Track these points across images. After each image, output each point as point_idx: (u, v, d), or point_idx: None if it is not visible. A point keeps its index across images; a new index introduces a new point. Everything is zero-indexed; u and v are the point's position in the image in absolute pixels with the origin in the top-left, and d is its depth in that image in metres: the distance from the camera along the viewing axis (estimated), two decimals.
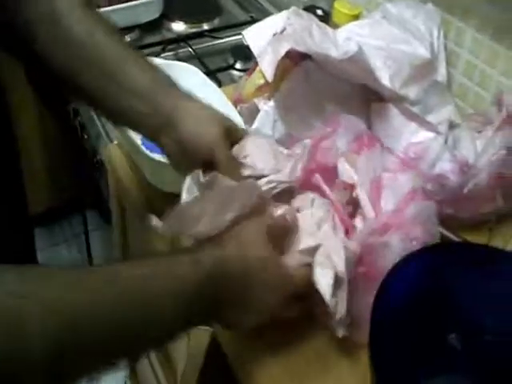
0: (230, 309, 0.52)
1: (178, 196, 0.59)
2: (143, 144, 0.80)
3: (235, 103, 0.87)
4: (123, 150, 0.84)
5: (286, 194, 0.66)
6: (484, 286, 0.57)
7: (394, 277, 0.54)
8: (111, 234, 1.01)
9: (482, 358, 0.56)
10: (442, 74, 0.83)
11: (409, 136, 0.76)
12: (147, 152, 0.75)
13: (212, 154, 0.60)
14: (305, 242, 0.57)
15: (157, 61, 0.90)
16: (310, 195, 0.65)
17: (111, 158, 0.84)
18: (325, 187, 0.66)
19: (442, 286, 0.57)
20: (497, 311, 0.56)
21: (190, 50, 1.20)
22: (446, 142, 0.73)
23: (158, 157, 0.76)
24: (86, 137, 1.15)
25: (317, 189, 0.67)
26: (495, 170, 0.70)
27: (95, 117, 1.06)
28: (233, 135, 0.64)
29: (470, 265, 0.57)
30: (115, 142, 0.88)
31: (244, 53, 1.15)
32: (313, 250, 0.57)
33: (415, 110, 0.78)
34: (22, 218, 0.77)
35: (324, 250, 0.58)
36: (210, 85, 0.88)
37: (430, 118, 0.78)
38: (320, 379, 0.57)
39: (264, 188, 0.63)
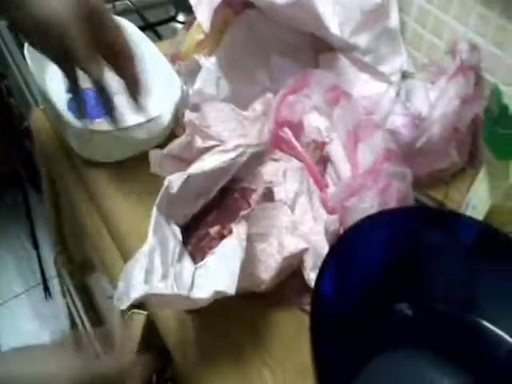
0: None
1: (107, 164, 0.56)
2: (69, 110, 0.76)
3: (172, 60, 0.83)
4: (49, 115, 0.79)
5: (255, 160, 0.64)
6: (439, 252, 0.55)
7: (351, 235, 0.52)
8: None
9: (434, 330, 0.55)
10: (394, 20, 0.79)
11: (360, 88, 0.73)
12: (72, 120, 0.70)
13: (64, 37, 0.54)
14: (291, 245, 0.56)
15: None
16: (281, 165, 0.64)
17: (36, 125, 0.79)
18: (295, 143, 0.65)
19: (399, 249, 0.55)
20: (451, 279, 0.55)
21: (128, 1, 1.13)
22: (398, 94, 0.71)
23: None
24: (12, 101, 1.09)
25: (286, 145, 0.66)
26: (449, 123, 0.68)
27: (22, 80, 1.00)
28: (96, 18, 0.57)
29: (429, 229, 0.55)
30: (41, 107, 0.82)
31: (187, 3, 1.09)
32: (300, 254, 0.57)
33: (366, 59, 0.75)
34: None
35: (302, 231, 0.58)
36: (145, 40, 0.83)
37: (382, 69, 0.75)
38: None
39: (233, 155, 0.60)
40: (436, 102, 0.70)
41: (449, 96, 0.69)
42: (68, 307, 1.00)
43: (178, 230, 0.55)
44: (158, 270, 0.49)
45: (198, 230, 0.60)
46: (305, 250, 0.56)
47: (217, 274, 0.51)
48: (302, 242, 0.57)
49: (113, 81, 0.77)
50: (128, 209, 0.67)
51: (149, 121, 0.72)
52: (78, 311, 0.90)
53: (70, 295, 0.90)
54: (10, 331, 1.61)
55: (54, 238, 0.94)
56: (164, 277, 0.50)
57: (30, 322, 1.68)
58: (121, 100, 0.77)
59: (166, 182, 0.55)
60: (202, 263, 0.53)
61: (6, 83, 1.12)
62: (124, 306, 0.45)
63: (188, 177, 0.56)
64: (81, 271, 0.78)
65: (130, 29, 0.83)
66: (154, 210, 0.53)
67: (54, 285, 1.61)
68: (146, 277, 0.48)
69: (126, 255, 0.65)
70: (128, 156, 0.73)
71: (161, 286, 0.48)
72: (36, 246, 1.54)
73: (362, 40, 0.77)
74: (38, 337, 1.64)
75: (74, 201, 0.71)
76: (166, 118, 0.73)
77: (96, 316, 0.86)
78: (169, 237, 0.53)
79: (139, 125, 0.71)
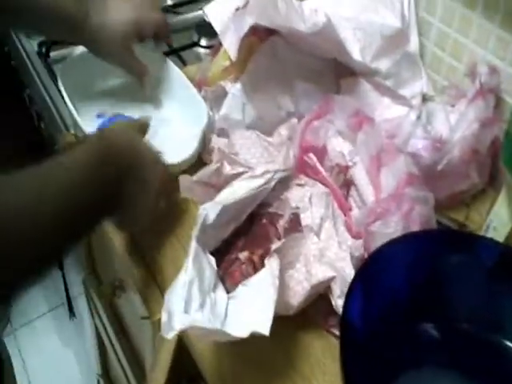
0: (130, 186, 0.59)
1: None
2: None
3: (199, 85, 0.87)
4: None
5: (281, 185, 0.67)
6: (461, 273, 0.58)
7: (376, 260, 0.55)
8: None
9: (458, 350, 0.57)
10: (414, 44, 0.83)
11: (382, 112, 0.76)
12: None
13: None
14: (319, 273, 0.59)
15: None
16: (307, 191, 0.67)
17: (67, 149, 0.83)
18: (320, 168, 0.69)
19: (423, 271, 0.58)
20: (474, 299, 0.58)
21: None
22: (419, 117, 0.74)
23: None
24: (42, 126, 1.13)
25: (311, 171, 0.69)
26: (469, 145, 0.71)
27: (52, 104, 1.04)
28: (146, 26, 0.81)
29: (451, 252, 0.58)
30: (72, 131, 0.87)
31: (209, 29, 1.13)
32: (327, 281, 0.59)
33: (387, 83, 0.78)
34: None
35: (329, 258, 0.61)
36: (172, 67, 0.87)
37: (403, 92, 0.78)
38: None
39: (262, 181, 0.63)
40: (456, 124, 0.73)
41: (469, 119, 0.72)
42: (96, 328, 1.03)
43: (213, 260, 0.58)
44: (196, 299, 0.52)
45: (227, 254, 0.63)
46: (332, 278, 0.59)
47: (251, 311, 0.53)
48: (329, 270, 0.59)
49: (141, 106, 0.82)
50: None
51: (177, 146, 0.75)
52: (106, 332, 0.93)
53: (99, 316, 0.94)
54: (34, 350, 1.64)
55: (83, 259, 0.97)
56: (201, 306, 0.52)
57: (54, 342, 1.71)
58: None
59: (201, 213, 0.58)
60: (234, 294, 0.56)
61: (37, 108, 1.17)
62: (170, 336, 0.48)
63: (222, 206, 0.59)
64: (110, 292, 0.82)
65: (157, 55, 0.88)
66: (194, 242, 0.56)
67: (79, 305, 1.65)
68: (185, 306, 0.51)
69: (158, 277, 0.68)
70: None
71: (199, 317, 0.51)
72: (61, 266, 1.57)
73: (382, 65, 0.80)
74: (61, 356, 1.67)
75: (104, 224, 0.74)
76: (194, 143, 0.76)
77: (125, 337, 0.89)
78: (205, 266, 0.56)
79: (166, 152, 0.73)
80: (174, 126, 0.85)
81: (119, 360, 0.91)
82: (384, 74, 0.79)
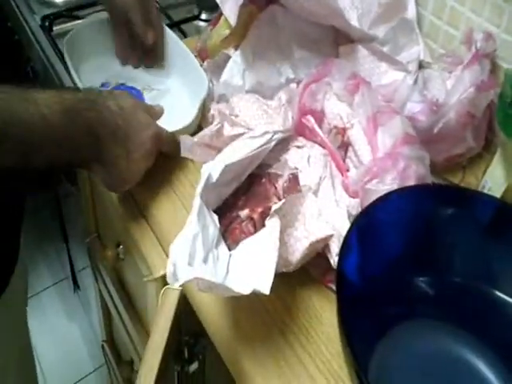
0: (110, 146, 0.62)
1: None
2: None
3: (200, 55, 0.87)
4: None
5: (280, 147, 0.68)
6: (456, 227, 0.58)
7: (370, 213, 0.56)
8: (80, 199, 1.01)
9: (452, 303, 0.58)
10: (411, 11, 0.83)
11: (379, 77, 0.76)
12: None
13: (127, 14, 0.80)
14: (317, 230, 0.59)
15: None
16: (305, 152, 0.67)
17: None
18: (318, 130, 0.69)
19: (418, 225, 0.59)
20: (467, 253, 0.58)
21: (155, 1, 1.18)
22: (415, 82, 0.74)
23: None
24: None
25: (310, 133, 0.70)
26: (464, 109, 0.71)
27: (55, 77, 1.04)
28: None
29: (446, 205, 0.59)
30: None
31: (209, 3, 1.13)
32: (325, 239, 0.60)
33: (385, 49, 0.79)
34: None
35: (327, 216, 0.61)
36: (174, 38, 0.87)
37: (400, 58, 0.78)
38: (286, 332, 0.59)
39: (262, 141, 0.64)
40: (452, 89, 0.73)
41: (465, 83, 0.72)
42: (100, 293, 1.04)
43: (216, 218, 0.59)
44: (200, 254, 0.53)
45: (228, 212, 0.64)
46: (330, 236, 0.60)
47: (252, 269, 0.53)
48: (327, 228, 0.60)
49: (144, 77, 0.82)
50: (162, 196, 0.72)
51: (177, 115, 0.76)
52: (111, 296, 0.94)
53: (103, 280, 0.95)
54: (39, 324, 1.66)
55: (88, 223, 0.98)
56: (204, 260, 0.53)
57: (58, 315, 1.73)
58: (150, 96, 0.82)
59: (204, 172, 0.59)
60: (236, 251, 0.57)
61: (40, 81, 1.18)
62: (176, 286, 0.49)
63: (225, 166, 0.59)
64: (114, 254, 0.83)
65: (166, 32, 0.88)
66: (198, 199, 0.56)
67: (83, 278, 1.66)
68: (189, 259, 0.51)
69: (161, 238, 0.69)
70: None
71: (202, 269, 0.52)
72: (65, 238, 1.59)
73: (380, 31, 0.81)
74: (66, 329, 1.69)
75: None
76: (193, 112, 0.76)
77: (128, 298, 0.90)
78: (209, 223, 0.57)
79: (166, 122, 0.74)
80: (175, 96, 0.86)
81: (124, 323, 0.92)
82: (381, 40, 0.80)
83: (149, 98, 0.84)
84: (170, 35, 0.88)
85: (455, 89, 0.73)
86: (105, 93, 0.65)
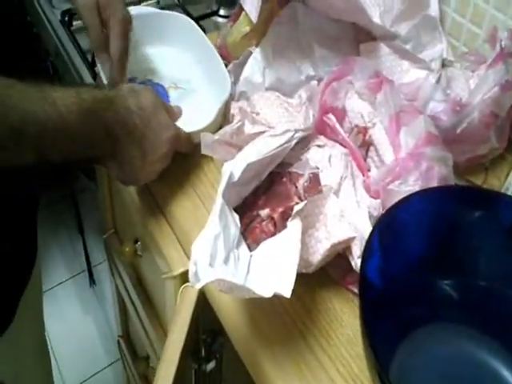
0: (126, 146, 0.61)
1: None
2: None
3: (219, 51, 0.87)
4: None
5: (301, 146, 0.67)
6: (480, 229, 0.57)
7: (393, 215, 0.55)
8: (98, 194, 1.01)
9: (475, 306, 0.57)
10: (433, 8, 0.82)
11: (401, 75, 0.75)
12: None
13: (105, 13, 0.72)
14: (339, 232, 0.59)
15: (144, 10, 0.90)
16: (326, 151, 0.67)
17: None
18: (339, 129, 0.68)
19: (441, 227, 0.58)
20: (492, 256, 0.57)
21: None
22: (438, 80, 0.73)
23: None
24: None
25: (331, 131, 0.69)
26: (488, 109, 0.70)
27: (74, 72, 1.05)
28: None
29: (470, 208, 0.57)
30: None
31: None
32: (347, 241, 0.59)
33: (407, 47, 0.78)
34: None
35: (348, 217, 0.61)
36: (200, 35, 0.86)
37: (422, 56, 0.78)
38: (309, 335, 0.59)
39: (283, 140, 0.63)
40: (476, 88, 0.72)
41: (488, 83, 0.71)
42: (117, 289, 1.05)
43: (237, 217, 0.58)
44: (221, 254, 0.52)
45: (248, 211, 0.63)
46: (352, 239, 0.59)
47: (273, 271, 0.53)
48: (349, 230, 0.59)
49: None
50: (181, 194, 0.71)
51: (199, 115, 0.75)
52: (128, 292, 0.94)
53: (120, 276, 0.95)
54: (55, 318, 1.67)
55: (106, 219, 0.98)
56: (225, 261, 0.53)
57: (74, 309, 1.74)
58: (175, 94, 0.81)
59: (226, 170, 0.58)
60: (257, 252, 0.56)
61: (59, 76, 1.18)
62: (198, 287, 0.48)
63: (247, 164, 0.59)
64: (131, 250, 0.83)
65: (187, 22, 0.88)
66: (220, 198, 0.56)
67: (99, 272, 1.67)
68: (210, 260, 0.51)
69: (180, 236, 0.69)
70: None
71: (223, 270, 0.51)
72: (82, 232, 1.59)
73: (402, 29, 0.80)
74: (82, 323, 1.70)
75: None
76: (212, 114, 0.75)
77: (145, 294, 0.90)
78: (230, 223, 0.56)
79: (187, 122, 0.73)
80: (199, 96, 0.85)
81: (140, 319, 0.92)
82: (403, 38, 0.79)
83: (174, 96, 0.84)
84: (197, 31, 0.87)
85: (479, 88, 0.71)
86: (125, 90, 0.64)
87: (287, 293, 0.50)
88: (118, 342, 1.19)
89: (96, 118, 0.58)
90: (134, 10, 0.86)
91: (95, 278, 1.69)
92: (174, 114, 0.72)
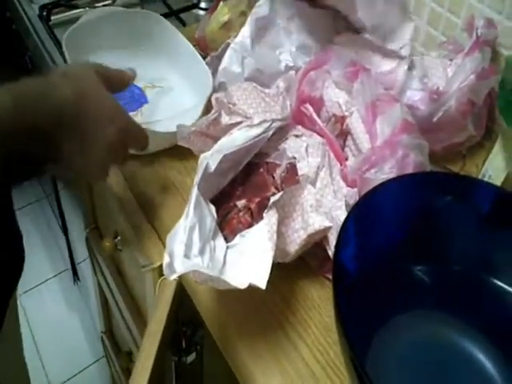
0: (62, 141, 0.53)
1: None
2: None
3: (198, 43, 0.87)
4: None
5: (278, 136, 0.67)
6: (455, 215, 0.58)
7: (368, 201, 0.55)
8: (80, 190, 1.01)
9: (451, 292, 0.58)
10: None
11: (376, 65, 0.76)
12: None
13: None
14: (315, 222, 0.59)
15: (116, 9, 0.89)
16: (303, 141, 0.67)
17: None
18: (316, 119, 0.69)
19: (416, 213, 0.58)
20: (465, 241, 0.58)
21: None
22: (411, 65, 0.74)
23: None
24: None
25: (308, 121, 0.70)
26: (465, 96, 0.71)
27: (50, 61, 1.05)
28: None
29: (445, 193, 0.58)
30: None
31: None
32: (323, 231, 0.59)
33: (376, 36, 0.78)
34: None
35: (325, 207, 0.61)
36: (172, 30, 0.86)
37: (392, 44, 0.78)
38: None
39: (260, 130, 0.63)
40: (453, 77, 0.73)
41: (465, 71, 0.72)
42: (99, 284, 1.05)
43: (213, 209, 0.58)
44: (196, 245, 0.53)
45: (225, 202, 0.64)
46: (328, 228, 0.59)
47: (249, 262, 0.53)
48: (325, 220, 0.59)
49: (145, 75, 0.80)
50: (159, 186, 0.72)
51: (180, 114, 0.75)
52: (109, 287, 0.94)
53: (102, 272, 0.95)
54: (39, 316, 1.67)
55: (87, 215, 0.98)
56: (201, 252, 0.53)
57: (59, 307, 1.74)
58: (152, 93, 0.80)
59: (202, 162, 0.58)
60: (233, 243, 0.57)
61: (38, 71, 1.17)
62: (172, 278, 0.49)
63: (224, 155, 0.59)
64: (111, 245, 0.83)
65: (160, 21, 0.87)
66: (195, 189, 0.56)
67: (83, 269, 1.67)
68: (185, 250, 0.51)
69: (159, 228, 0.69)
70: (161, 149, 0.75)
71: (198, 262, 0.52)
72: (65, 229, 1.59)
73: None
74: (66, 321, 1.70)
75: (108, 182, 0.75)
76: (198, 111, 0.75)
77: (127, 292, 0.90)
78: (206, 214, 0.57)
79: (170, 118, 0.73)
80: (178, 92, 0.85)
81: (122, 315, 0.92)
82: (373, 26, 0.79)
83: (151, 96, 0.84)
84: (169, 28, 0.87)
85: (456, 76, 0.72)
86: (57, 77, 0.54)
87: (262, 284, 0.50)
88: (102, 338, 1.20)
89: (26, 113, 0.51)
90: (100, 11, 0.87)
91: (80, 275, 1.68)
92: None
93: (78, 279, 1.67)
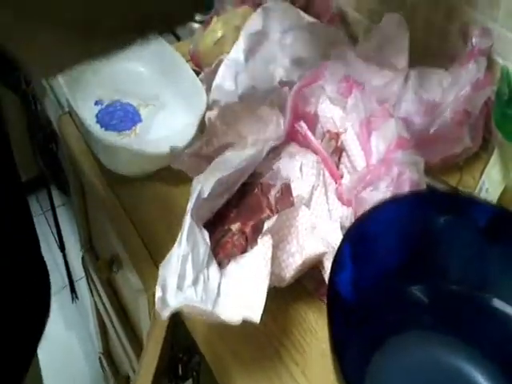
0: None
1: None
2: (97, 121, 0.80)
3: (192, 58, 0.87)
4: (76, 121, 0.83)
5: (272, 154, 0.68)
6: (452, 234, 0.58)
7: (364, 223, 0.55)
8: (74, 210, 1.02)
9: (447, 312, 0.58)
10: None
11: (370, 78, 0.76)
12: (98, 132, 0.74)
13: None
14: (311, 247, 0.59)
15: None
16: (298, 160, 0.67)
17: (63, 130, 0.83)
18: (311, 137, 0.69)
19: (413, 233, 0.58)
20: (463, 260, 0.58)
21: None
22: (407, 77, 0.74)
23: (111, 137, 0.76)
24: (39, 107, 1.14)
25: (302, 139, 0.70)
26: (460, 107, 0.71)
27: (47, 85, 1.05)
28: None
29: (441, 212, 0.58)
30: (66, 110, 0.87)
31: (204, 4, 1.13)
32: (319, 256, 0.59)
33: (371, 45, 0.78)
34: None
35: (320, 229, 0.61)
36: (165, 46, 0.87)
37: (389, 56, 0.78)
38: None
39: (254, 151, 0.64)
40: (448, 88, 0.73)
41: (461, 81, 0.72)
42: (96, 305, 1.05)
43: (207, 236, 0.58)
44: (190, 275, 0.52)
45: (219, 225, 0.64)
46: (323, 253, 0.59)
47: (243, 293, 0.53)
48: (320, 245, 0.59)
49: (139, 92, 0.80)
50: (155, 209, 0.72)
51: (174, 134, 0.75)
52: (106, 309, 0.95)
53: (98, 293, 0.95)
54: None
55: (82, 236, 0.99)
56: (194, 282, 0.53)
57: (57, 325, 1.73)
58: (146, 112, 0.80)
59: (195, 186, 0.58)
60: (227, 271, 0.56)
61: (33, 90, 1.18)
62: (165, 316, 0.48)
63: (217, 179, 0.59)
64: (107, 267, 0.83)
65: (157, 40, 0.86)
66: (188, 217, 0.56)
67: (81, 288, 1.67)
68: (178, 282, 0.51)
69: (154, 252, 0.70)
70: (155, 169, 0.75)
71: (192, 294, 0.51)
72: (62, 247, 1.59)
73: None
74: (65, 340, 1.70)
75: (103, 203, 0.75)
76: (191, 130, 0.75)
77: (123, 311, 0.90)
78: (199, 241, 0.56)
79: (164, 139, 0.73)
80: (171, 110, 0.85)
81: (119, 337, 0.92)
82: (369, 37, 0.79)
83: (145, 114, 0.84)
84: (162, 44, 0.86)
85: (451, 87, 0.72)
86: None
87: (256, 318, 0.50)
88: (100, 358, 1.20)
89: None
90: None
91: (78, 293, 1.68)
92: None
93: (77, 297, 1.67)
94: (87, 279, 1.02)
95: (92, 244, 0.99)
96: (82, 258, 1.01)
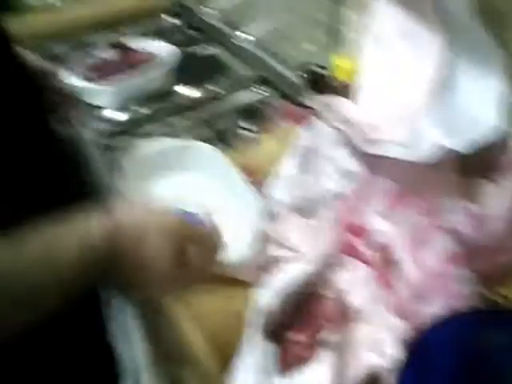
0: (128, 266, 0.56)
1: None
2: None
3: (245, 169, 0.94)
4: None
5: (327, 267, 0.73)
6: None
7: (423, 345, 0.58)
8: None
9: None
10: None
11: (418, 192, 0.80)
12: None
13: None
14: (367, 360, 0.62)
15: (172, 143, 0.99)
16: (350, 273, 0.72)
17: None
18: (361, 249, 0.73)
19: (476, 353, 0.59)
20: None
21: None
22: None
23: None
24: None
25: (354, 252, 0.74)
26: (509, 216, 0.74)
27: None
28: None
29: (498, 331, 0.60)
30: None
31: (252, 113, 1.22)
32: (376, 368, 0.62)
33: None
34: None
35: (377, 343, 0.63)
36: (223, 161, 0.94)
37: None
38: None
39: (310, 266, 0.69)
40: (494, 198, 0.76)
41: (506, 193, 0.75)
42: None
43: (270, 347, 0.62)
44: None
45: (278, 335, 0.67)
46: (381, 367, 0.62)
47: None
48: (376, 357, 0.62)
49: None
50: (224, 319, 0.74)
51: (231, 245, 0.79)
52: None
53: None
54: None
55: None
56: None
57: None
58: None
59: (259, 300, 0.64)
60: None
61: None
62: None
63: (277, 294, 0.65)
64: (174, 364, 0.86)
65: (214, 154, 0.96)
66: (251, 329, 0.61)
67: None
68: None
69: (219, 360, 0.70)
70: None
71: None
72: None
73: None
74: None
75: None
76: (248, 240, 0.78)
77: None
78: (263, 353, 0.61)
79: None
80: (227, 222, 0.88)
81: None
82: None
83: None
84: (220, 158, 0.95)
85: (498, 199, 0.75)
86: (125, 218, 0.57)
87: None
88: None
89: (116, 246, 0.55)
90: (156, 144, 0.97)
91: None
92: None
93: None
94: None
95: None
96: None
